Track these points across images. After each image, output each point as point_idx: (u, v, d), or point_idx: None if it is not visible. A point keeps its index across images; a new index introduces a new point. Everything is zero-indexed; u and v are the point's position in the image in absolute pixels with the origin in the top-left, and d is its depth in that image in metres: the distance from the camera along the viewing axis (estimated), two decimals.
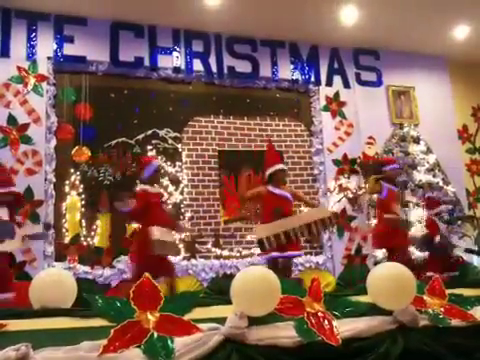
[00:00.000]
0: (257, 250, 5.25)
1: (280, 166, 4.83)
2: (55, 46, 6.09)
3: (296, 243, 4.53)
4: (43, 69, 5.96)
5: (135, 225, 5.84)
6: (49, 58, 6.05)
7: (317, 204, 5.65)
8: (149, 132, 6.36)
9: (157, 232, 4.06)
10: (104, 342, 1.62)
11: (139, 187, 4.37)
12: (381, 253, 6.47)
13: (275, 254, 4.43)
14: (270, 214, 4.55)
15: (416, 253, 6.32)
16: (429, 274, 4.54)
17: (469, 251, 6.04)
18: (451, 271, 4.82)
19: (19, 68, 5.85)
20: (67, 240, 5.73)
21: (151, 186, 4.36)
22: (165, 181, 6.23)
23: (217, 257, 6.19)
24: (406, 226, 4.84)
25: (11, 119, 5.69)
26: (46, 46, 6.04)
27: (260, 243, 4.36)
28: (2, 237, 4.31)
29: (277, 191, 4.66)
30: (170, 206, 4.46)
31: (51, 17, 6.11)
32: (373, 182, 5.17)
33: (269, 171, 4.80)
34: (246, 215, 5.49)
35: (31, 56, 5.96)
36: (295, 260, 6.25)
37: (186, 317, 1.88)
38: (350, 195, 6.70)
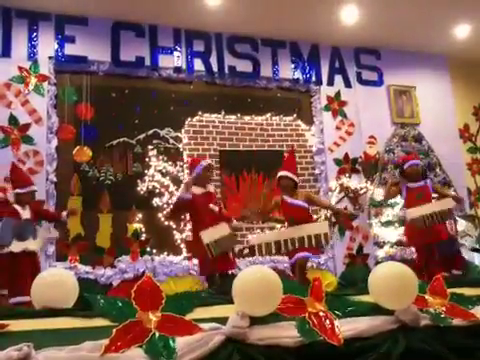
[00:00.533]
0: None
1: (282, 173, 4.69)
2: (56, 46, 6.10)
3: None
4: (44, 69, 5.97)
5: (136, 225, 5.89)
6: (50, 58, 6.06)
7: (329, 206, 5.55)
8: (150, 132, 6.37)
9: (204, 236, 4.12)
10: (106, 342, 1.61)
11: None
12: (382, 252, 6.49)
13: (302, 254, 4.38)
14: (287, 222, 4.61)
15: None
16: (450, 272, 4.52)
17: (475, 250, 6.03)
18: (457, 269, 4.80)
19: (20, 68, 5.86)
20: (68, 240, 5.74)
21: (198, 187, 4.39)
22: (166, 181, 6.24)
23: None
24: (437, 220, 4.52)
25: (12, 119, 5.70)
26: (47, 46, 6.05)
27: (251, 249, 4.43)
28: (25, 236, 4.37)
29: (289, 200, 4.57)
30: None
31: (52, 17, 6.12)
32: (389, 187, 5.10)
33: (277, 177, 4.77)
34: (247, 215, 5.48)
35: (32, 56, 5.97)
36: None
37: (188, 317, 1.88)
38: (351, 194, 6.70)
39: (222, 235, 4.16)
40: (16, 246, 4.39)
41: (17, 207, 4.61)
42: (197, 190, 4.34)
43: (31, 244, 4.51)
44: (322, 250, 5.67)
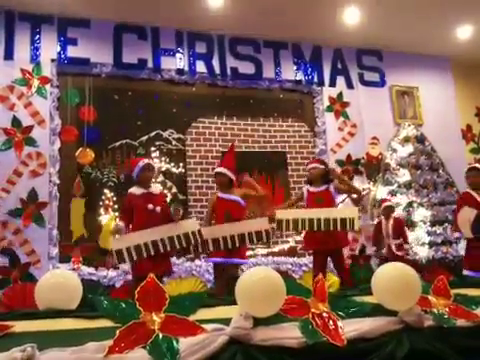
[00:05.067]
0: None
1: (218, 169, 4.55)
2: (59, 48, 6.12)
3: (239, 250, 4.28)
4: (47, 71, 5.99)
5: None
6: (53, 60, 6.08)
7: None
8: (153, 133, 6.38)
9: (116, 242, 3.92)
10: (109, 343, 1.62)
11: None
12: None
13: (219, 259, 4.25)
14: (220, 219, 4.40)
15: (420, 253, 6.32)
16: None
17: None
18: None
19: (23, 71, 5.88)
20: (71, 242, 5.76)
21: (139, 188, 4.15)
22: (169, 182, 6.25)
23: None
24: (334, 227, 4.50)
25: (15, 121, 5.72)
26: (50, 48, 6.07)
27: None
28: None
29: (225, 196, 4.45)
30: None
31: (55, 19, 6.15)
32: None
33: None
34: (250, 216, 5.46)
35: (35, 58, 5.99)
36: (298, 261, 6.29)
37: (191, 318, 1.88)
38: (354, 195, 6.69)
39: (149, 239, 3.89)
40: None
41: None
42: (137, 191, 4.12)
43: None
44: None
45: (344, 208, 4.42)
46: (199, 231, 4.03)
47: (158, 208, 4.01)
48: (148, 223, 3.93)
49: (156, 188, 4.38)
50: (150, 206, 3.98)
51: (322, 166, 4.70)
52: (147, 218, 3.97)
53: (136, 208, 4.04)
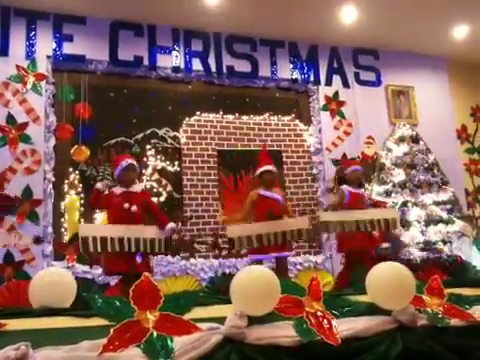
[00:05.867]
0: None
1: (266, 167, 4.68)
2: (54, 45, 6.08)
3: (281, 245, 4.42)
4: (42, 68, 5.95)
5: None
6: (48, 57, 6.05)
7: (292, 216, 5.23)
8: (148, 131, 6.36)
9: (82, 229, 3.96)
10: (104, 341, 1.61)
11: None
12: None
13: (261, 256, 4.40)
14: (262, 216, 4.50)
15: (416, 253, 6.33)
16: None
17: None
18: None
19: (18, 67, 5.84)
20: (66, 239, 5.74)
21: (120, 187, 4.15)
22: (164, 180, 6.24)
23: (216, 257, 6.19)
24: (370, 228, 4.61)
25: (10, 118, 5.68)
26: (45, 45, 6.03)
27: (230, 242, 4.34)
28: None
29: (268, 194, 4.58)
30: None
31: (50, 16, 6.10)
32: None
33: (257, 173, 4.75)
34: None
35: (30, 55, 5.95)
36: (293, 259, 6.29)
37: (186, 317, 1.88)
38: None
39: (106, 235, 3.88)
40: None
41: None
42: (117, 190, 4.13)
43: None
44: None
45: (386, 209, 4.83)
46: (166, 239, 4.05)
47: (134, 207, 4.02)
48: (122, 221, 3.95)
49: (138, 186, 4.32)
50: (126, 205, 4.00)
51: (362, 169, 4.96)
52: (122, 216, 3.98)
53: (113, 206, 4.07)
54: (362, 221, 4.49)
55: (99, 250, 3.82)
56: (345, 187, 4.81)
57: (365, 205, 4.91)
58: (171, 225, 4.11)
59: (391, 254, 5.75)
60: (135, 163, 4.24)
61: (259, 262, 4.35)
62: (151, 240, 3.98)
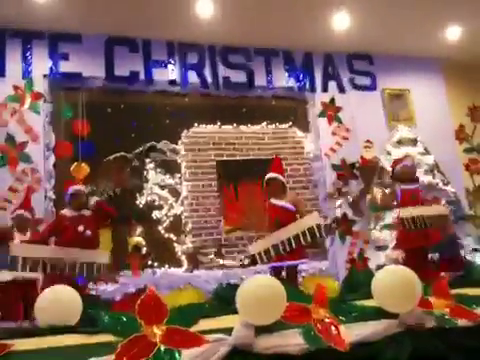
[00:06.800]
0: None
1: (269, 175, 4.65)
2: (50, 64, 6.13)
3: (293, 252, 4.37)
4: (39, 87, 5.99)
5: (136, 239, 5.88)
6: (45, 76, 6.09)
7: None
8: (147, 145, 6.38)
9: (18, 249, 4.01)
10: (111, 358, 1.61)
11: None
12: (383, 257, 6.47)
13: (275, 264, 4.41)
14: (272, 226, 4.52)
15: None
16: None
17: (476, 250, 6.01)
18: (458, 271, 4.76)
19: (15, 87, 5.88)
20: None
21: (71, 210, 4.44)
22: (165, 193, 6.24)
23: (220, 267, 6.17)
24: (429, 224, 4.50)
25: (9, 138, 5.70)
26: (41, 64, 6.08)
27: (253, 259, 4.38)
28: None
29: (275, 202, 4.57)
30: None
31: (45, 35, 6.15)
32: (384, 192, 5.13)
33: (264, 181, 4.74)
34: (248, 224, 5.49)
35: (27, 74, 6.00)
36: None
37: (192, 329, 1.87)
38: (350, 199, 6.71)
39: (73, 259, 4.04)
40: None
41: None
42: (68, 212, 4.45)
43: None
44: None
45: (437, 206, 4.72)
46: (104, 265, 4.17)
47: (88, 231, 4.25)
48: (74, 244, 4.11)
49: (87, 211, 4.55)
50: (80, 228, 4.13)
51: (412, 164, 4.96)
52: (74, 239, 4.17)
53: (65, 229, 4.25)
54: (418, 218, 4.42)
55: (28, 269, 3.89)
56: (398, 186, 4.81)
57: (422, 200, 4.78)
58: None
59: (448, 254, 5.50)
60: (82, 189, 4.64)
61: (279, 269, 4.40)
62: (88, 264, 4.09)
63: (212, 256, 6.23)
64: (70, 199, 4.51)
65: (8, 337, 1.86)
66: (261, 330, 1.84)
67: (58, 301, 2.05)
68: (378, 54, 7.49)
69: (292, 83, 7.13)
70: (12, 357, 1.68)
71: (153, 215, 6.13)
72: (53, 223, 4.57)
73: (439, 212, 4.59)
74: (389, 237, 6.55)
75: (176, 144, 6.53)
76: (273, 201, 4.58)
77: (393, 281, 2.07)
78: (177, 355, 1.67)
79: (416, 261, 4.48)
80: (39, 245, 4.13)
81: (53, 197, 5.80)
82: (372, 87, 7.50)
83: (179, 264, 6.05)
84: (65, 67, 6.16)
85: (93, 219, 4.49)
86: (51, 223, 4.60)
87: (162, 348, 1.70)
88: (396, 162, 5.11)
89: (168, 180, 6.35)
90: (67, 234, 4.25)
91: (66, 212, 4.47)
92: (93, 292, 5.03)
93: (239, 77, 6.87)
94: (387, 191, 5.10)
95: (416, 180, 4.89)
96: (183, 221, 6.29)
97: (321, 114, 7.13)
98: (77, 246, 4.11)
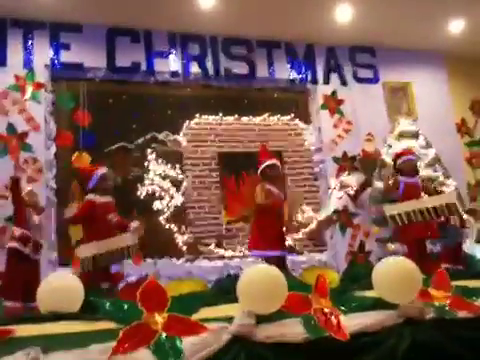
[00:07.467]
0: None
1: (271, 161, 4.69)
2: (52, 54, 6.11)
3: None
4: (40, 77, 5.98)
5: None
6: (46, 66, 6.07)
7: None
8: (148, 136, 6.37)
9: (83, 250, 4.10)
10: (113, 344, 1.62)
11: (87, 197, 4.41)
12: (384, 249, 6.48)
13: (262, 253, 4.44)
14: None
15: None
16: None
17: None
18: (458, 263, 4.76)
19: (17, 77, 5.86)
20: (70, 246, 5.73)
21: (99, 195, 4.35)
22: (166, 184, 6.24)
23: (220, 258, 6.19)
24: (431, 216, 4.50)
25: (10, 127, 5.70)
26: (43, 54, 6.06)
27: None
28: None
29: (274, 189, 4.58)
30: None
31: (47, 25, 6.13)
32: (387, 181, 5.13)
33: (261, 168, 4.75)
34: (248, 215, 5.49)
35: (28, 64, 5.97)
36: (298, 259, 6.30)
37: (193, 317, 1.88)
38: (351, 192, 6.71)
39: (110, 249, 4.09)
40: None
41: None
42: (98, 199, 4.32)
43: None
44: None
45: (443, 195, 4.71)
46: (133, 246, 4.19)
47: (116, 218, 4.24)
48: (106, 232, 4.14)
49: (109, 197, 4.49)
50: (110, 216, 4.18)
51: (414, 158, 4.99)
52: (107, 229, 4.18)
53: (96, 218, 4.21)
54: (426, 209, 4.40)
55: (90, 268, 4.05)
56: (400, 178, 4.82)
57: (420, 194, 4.81)
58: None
59: (449, 245, 5.35)
60: (109, 172, 4.55)
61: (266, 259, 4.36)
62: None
63: (212, 246, 6.24)
64: (97, 183, 4.36)
65: (11, 323, 1.87)
66: (262, 319, 1.85)
67: (60, 288, 2.06)
68: (380, 47, 7.45)
69: (294, 75, 7.11)
70: (15, 342, 1.70)
71: (154, 206, 6.12)
72: (85, 210, 4.38)
73: (447, 200, 4.50)
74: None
75: (177, 135, 6.51)
76: (271, 187, 4.54)
77: (393, 272, 2.08)
78: (178, 343, 1.68)
79: (416, 253, 4.49)
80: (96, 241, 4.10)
81: (54, 186, 5.80)
82: (374, 80, 7.47)
83: (180, 255, 6.06)
84: (66, 57, 6.14)
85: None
86: (82, 210, 4.41)
87: (163, 335, 1.72)
88: (397, 155, 5.11)
89: (169, 171, 6.35)
90: (99, 225, 4.21)
91: (94, 198, 4.32)
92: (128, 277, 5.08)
93: (241, 68, 6.85)
94: (390, 180, 5.08)
95: (417, 173, 4.90)
96: (184, 212, 6.30)
97: (323, 106, 7.11)
98: (109, 236, 4.14)
